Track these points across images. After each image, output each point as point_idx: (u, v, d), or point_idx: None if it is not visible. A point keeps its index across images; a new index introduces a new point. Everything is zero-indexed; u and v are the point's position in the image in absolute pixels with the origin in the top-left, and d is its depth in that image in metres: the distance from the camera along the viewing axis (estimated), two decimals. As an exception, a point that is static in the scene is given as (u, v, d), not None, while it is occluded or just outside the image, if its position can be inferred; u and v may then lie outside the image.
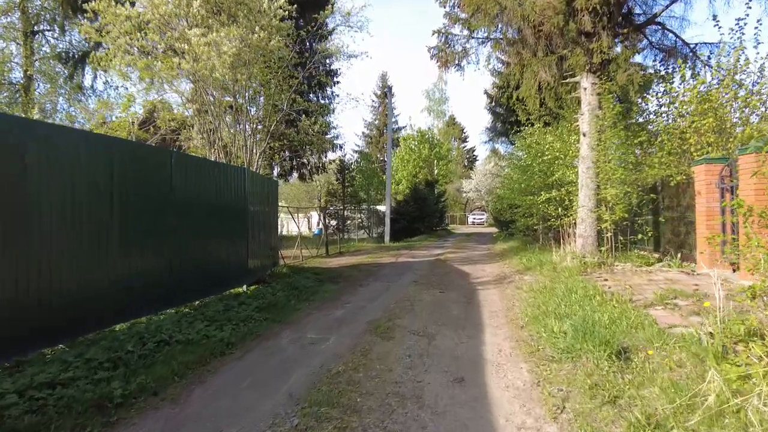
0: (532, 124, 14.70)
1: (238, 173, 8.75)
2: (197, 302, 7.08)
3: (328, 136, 25.35)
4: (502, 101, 20.31)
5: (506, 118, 19.97)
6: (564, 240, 11.24)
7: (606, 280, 8.20)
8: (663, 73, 11.13)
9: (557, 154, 12.17)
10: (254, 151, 10.86)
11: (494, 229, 37.52)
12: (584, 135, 10.62)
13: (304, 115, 15.45)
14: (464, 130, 65.54)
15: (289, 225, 42.97)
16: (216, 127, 10.37)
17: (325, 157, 25.43)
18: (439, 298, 7.87)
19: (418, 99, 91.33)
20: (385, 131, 51.18)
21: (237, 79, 9.83)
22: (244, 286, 8.78)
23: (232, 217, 8.32)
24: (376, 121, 51.60)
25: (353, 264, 13.69)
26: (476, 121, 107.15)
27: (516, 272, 10.67)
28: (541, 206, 12.63)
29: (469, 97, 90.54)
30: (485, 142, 30.80)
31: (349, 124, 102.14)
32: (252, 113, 11.23)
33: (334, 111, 25.15)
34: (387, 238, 23.47)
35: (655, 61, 11.31)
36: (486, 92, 21.40)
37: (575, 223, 10.99)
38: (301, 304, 7.57)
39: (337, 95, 24.28)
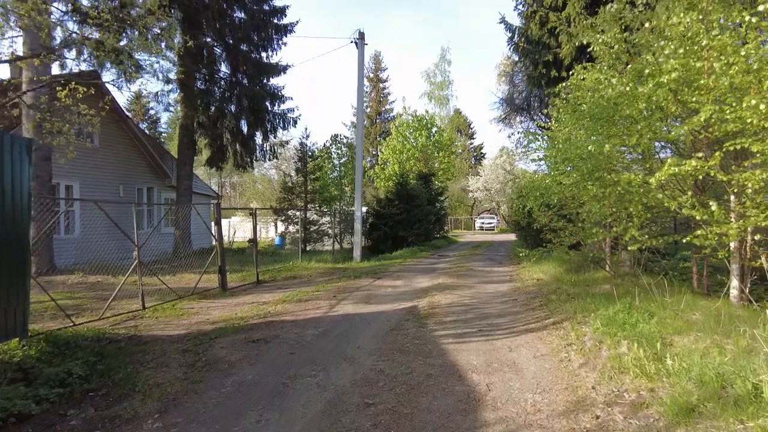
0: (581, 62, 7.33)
1: None
2: None
3: (278, 109, 18.16)
4: (530, 31, 12.81)
5: (538, 58, 12.54)
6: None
7: None
8: None
9: (697, 65, 4.75)
10: None
11: (509, 237, 29.92)
12: None
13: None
14: (471, 125, 58.16)
15: (262, 231, 35.64)
16: None
17: (274, 136, 18.14)
18: None
19: (419, 91, 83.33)
20: (378, 119, 43.89)
21: None
22: None
23: None
24: (368, 109, 44.27)
25: (228, 322, 6.33)
26: (484, 115, 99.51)
27: (648, 418, 3.18)
28: (651, 197, 5.19)
29: (476, 91, 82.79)
30: (497, 121, 23.30)
31: (336, 113, 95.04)
32: None
33: (285, 71, 17.85)
34: (357, 252, 16.11)
35: None
36: (504, 22, 13.79)
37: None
38: None
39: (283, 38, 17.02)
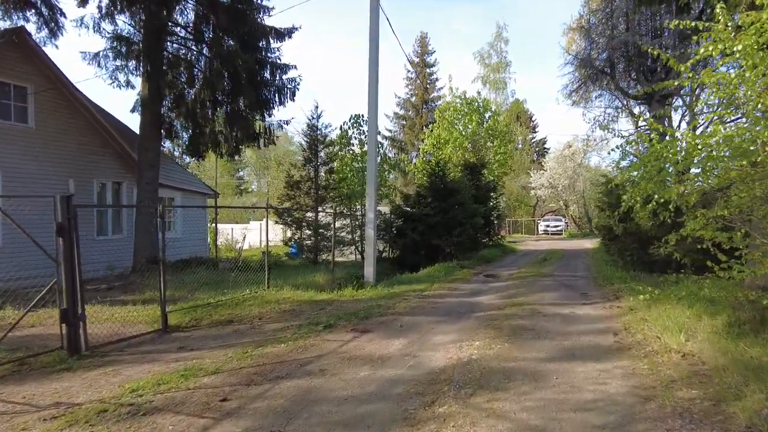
0: None
1: None
2: None
3: (278, 81, 13.99)
4: None
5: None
6: None
7: None
8: None
9: None
10: None
11: (582, 244, 23.85)
12: None
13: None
14: (533, 118, 51.45)
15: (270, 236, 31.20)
16: None
17: (269, 114, 13.96)
18: None
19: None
20: (424, 108, 38.86)
21: None
22: None
23: None
24: (413, 98, 39.40)
25: None
26: (547, 108, 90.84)
27: None
28: None
29: (537, 85, 75.15)
30: (566, 94, 17.90)
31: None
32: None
33: (291, 34, 13.60)
34: (369, 270, 11.43)
35: None
36: None
37: None
38: None
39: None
